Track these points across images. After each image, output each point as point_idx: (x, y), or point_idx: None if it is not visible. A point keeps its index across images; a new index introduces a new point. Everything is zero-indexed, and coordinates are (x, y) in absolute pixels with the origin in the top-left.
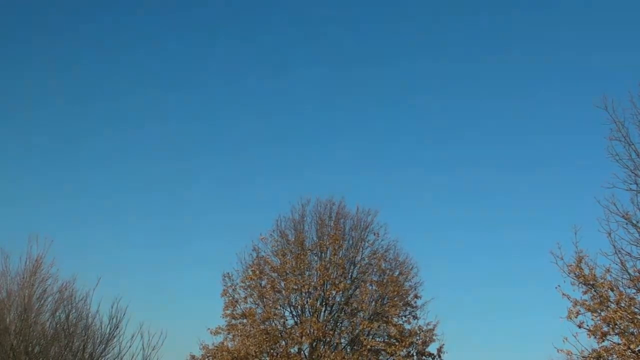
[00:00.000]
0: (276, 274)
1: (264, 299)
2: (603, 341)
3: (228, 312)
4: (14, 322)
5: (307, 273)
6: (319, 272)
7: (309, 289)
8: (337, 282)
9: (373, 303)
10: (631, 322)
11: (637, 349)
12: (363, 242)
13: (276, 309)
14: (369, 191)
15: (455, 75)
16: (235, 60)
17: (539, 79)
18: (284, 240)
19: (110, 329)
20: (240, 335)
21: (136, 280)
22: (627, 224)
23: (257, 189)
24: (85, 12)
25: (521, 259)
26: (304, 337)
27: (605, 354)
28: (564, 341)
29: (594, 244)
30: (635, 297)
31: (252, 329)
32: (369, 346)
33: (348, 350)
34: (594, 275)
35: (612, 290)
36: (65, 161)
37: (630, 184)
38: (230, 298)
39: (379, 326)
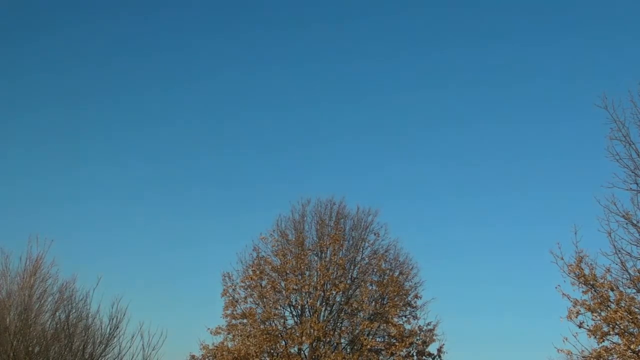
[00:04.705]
0: (276, 274)
1: (264, 299)
2: (603, 341)
3: (228, 312)
4: (14, 322)
5: (307, 273)
6: (319, 272)
7: (309, 289)
8: (337, 282)
9: (373, 303)
10: (631, 322)
11: (637, 349)
12: (363, 242)
13: (276, 309)
14: (369, 191)
15: (456, 69)
16: (232, 59)
17: (539, 77)
18: (284, 240)
19: (110, 329)
20: (241, 335)
21: (136, 280)
22: (627, 223)
23: (258, 188)
24: (87, 11)
25: (521, 258)
26: (304, 337)
27: (605, 354)
28: (564, 341)
29: (594, 244)
30: (635, 297)
31: (252, 329)
32: (369, 346)
33: (348, 350)
34: (594, 275)
35: (612, 290)
36: (66, 161)
37: (631, 183)
38: (231, 298)
39: (379, 326)
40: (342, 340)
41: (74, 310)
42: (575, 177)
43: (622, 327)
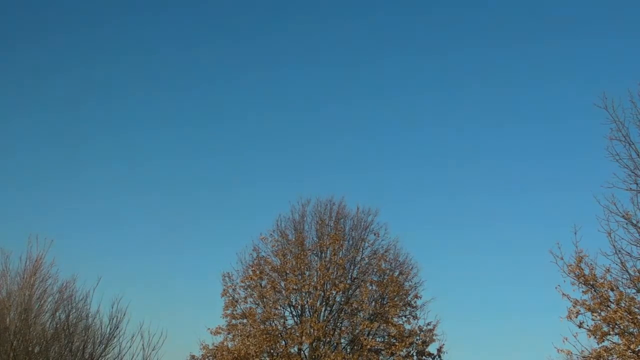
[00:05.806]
0: (276, 274)
1: (264, 299)
2: (603, 341)
3: (228, 312)
4: (14, 322)
5: (307, 273)
6: (319, 272)
7: (309, 289)
8: (337, 282)
9: (373, 303)
10: (631, 322)
11: (637, 349)
12: (363, 242)
13: (276, 309)
14: (369, 191)
15: (456, 70)
16: (232, 61)
17: (539, 76)
18: (284, 240)
19: (110, 329)
20: (241, 335)
21: (136, 280)
22: (627, 224)
23: (257, 188)
24: (85, 13)
25: (521, 258)
26: (304, 337)
27: (605, 354)
28: (564, 341)
29: (594, 244)
30: (635, 297)
31: (252, 329)
32: (369, 346)
33: (348, 350)
34: (594, 275)
35: (612, 290)
36: (66, 162)
37: (630, 184)
38: (230, 298)
39: (379, 326)
40: (342, 340)
41: (74, 310)
42: (575, 177)
43: (622, 327)
